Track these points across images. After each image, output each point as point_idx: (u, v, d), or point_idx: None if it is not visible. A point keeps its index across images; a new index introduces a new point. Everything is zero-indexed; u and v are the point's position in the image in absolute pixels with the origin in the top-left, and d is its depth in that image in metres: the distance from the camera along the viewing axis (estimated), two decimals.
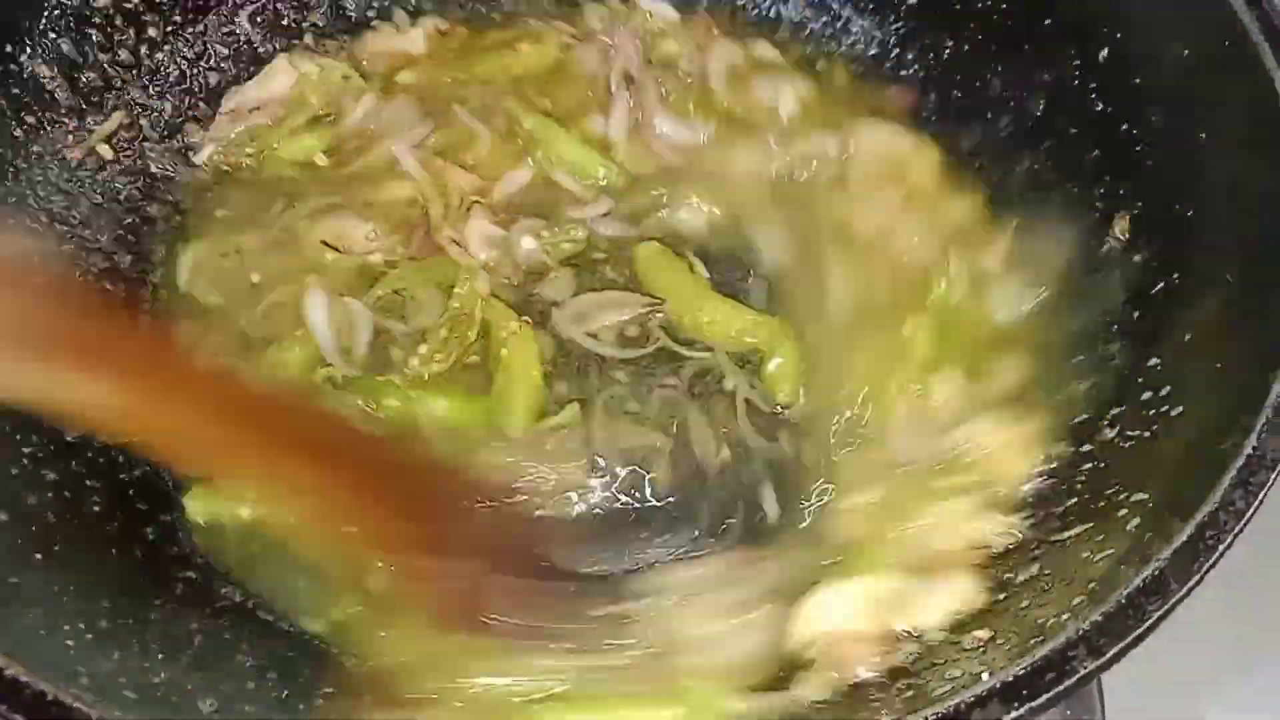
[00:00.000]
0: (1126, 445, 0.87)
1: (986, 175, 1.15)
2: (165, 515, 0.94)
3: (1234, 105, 0.92)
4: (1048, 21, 1.12)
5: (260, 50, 1.25)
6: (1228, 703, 1.02)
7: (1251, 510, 0.72)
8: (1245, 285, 0.86)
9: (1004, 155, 1.14)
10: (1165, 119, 0.99)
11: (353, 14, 1.30)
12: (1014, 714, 0.67)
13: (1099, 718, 0.92)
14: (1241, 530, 0.72)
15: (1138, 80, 1.02)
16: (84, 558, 0.86)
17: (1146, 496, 0.80)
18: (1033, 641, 0.71)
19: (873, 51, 1.27)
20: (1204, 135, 0.94)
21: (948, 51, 1.21)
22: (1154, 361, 0.91)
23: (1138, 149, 1.01)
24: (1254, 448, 0.74)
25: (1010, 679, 0.68)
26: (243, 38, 1.24)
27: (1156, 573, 0.71)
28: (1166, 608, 0.69)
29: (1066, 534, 0.84)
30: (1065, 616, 0.72)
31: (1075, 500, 0.87)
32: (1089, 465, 0.89)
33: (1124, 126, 1.03)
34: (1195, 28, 0.95)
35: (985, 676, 0.69)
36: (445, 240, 1.08)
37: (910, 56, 1.25)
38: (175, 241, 1.12)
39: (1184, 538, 0.72)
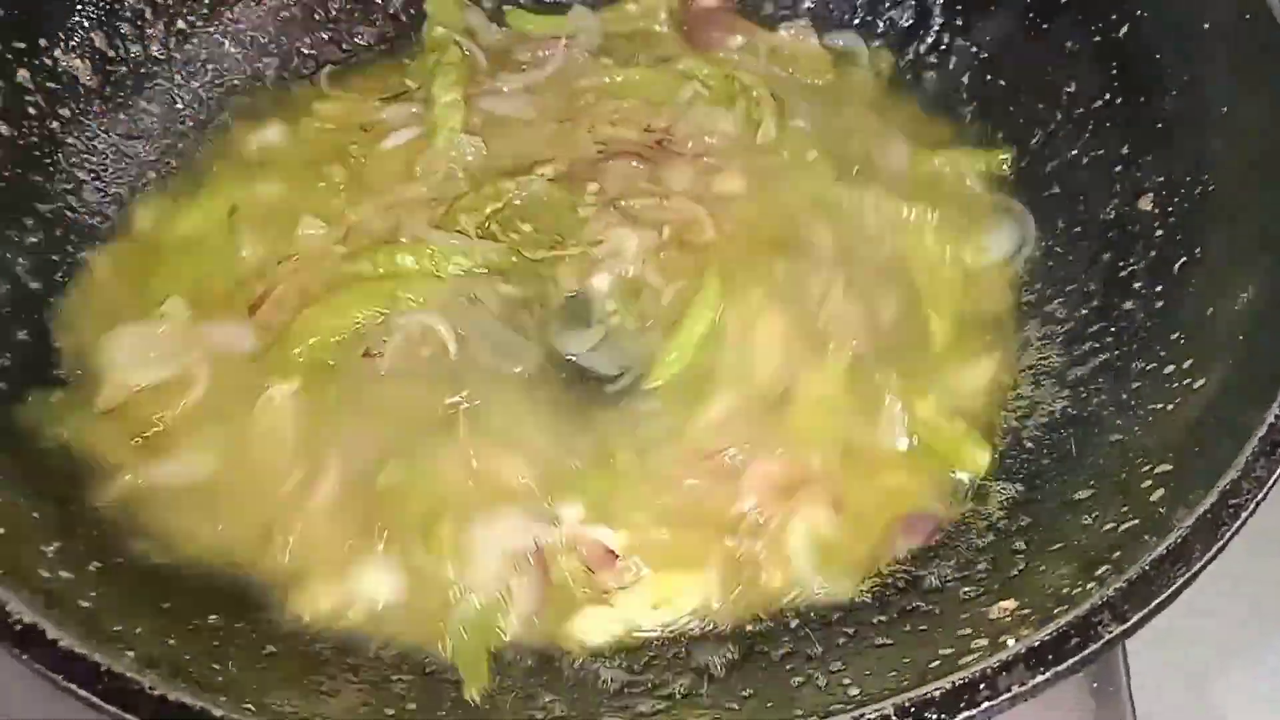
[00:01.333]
0: (1150, 417, 0.88)
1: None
2: None
3: (1254, 81, 0.92)
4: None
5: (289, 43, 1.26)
6: (1251, 670, 1.03)
7: (1274, 478, 0.73)
8: (1265, 258, 0.87)
9: (1025, 134, 1.15)
10: (1185, 95, 1.00)
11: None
12: (1039, 679, 0.68)
13: (1123, 685, 0.93)
14: (1264, 498, 0.72)
15: (1158, 56, 1.03)
16: None
17: (1170, 468, 0.81)
18: (1058, 609, 0.72)
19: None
20: (1225, 110, 0.94)
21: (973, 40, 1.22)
22: (1176, 335, 0.91)
23: (1158, 125, 1.02)
24: (1276, 416, 0.75)
25: (1035, 644, 0.69)
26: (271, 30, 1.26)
27: (1180, 540, 0.72)
28: (1190, 574, 0.70)
29: (1091, 506, 0.85)
30: (1090, 585, 0.73)
31: (1096, 472, 0.88)
32: (1114, 437, 0.90)
33: (1143, 101, 1.03)
34: (1215, 3, 0.95)
35: (1011, 643, 0.71)
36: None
37: (930, 40, 1.25)
38: None
39: (1207, 506, 0.72)
